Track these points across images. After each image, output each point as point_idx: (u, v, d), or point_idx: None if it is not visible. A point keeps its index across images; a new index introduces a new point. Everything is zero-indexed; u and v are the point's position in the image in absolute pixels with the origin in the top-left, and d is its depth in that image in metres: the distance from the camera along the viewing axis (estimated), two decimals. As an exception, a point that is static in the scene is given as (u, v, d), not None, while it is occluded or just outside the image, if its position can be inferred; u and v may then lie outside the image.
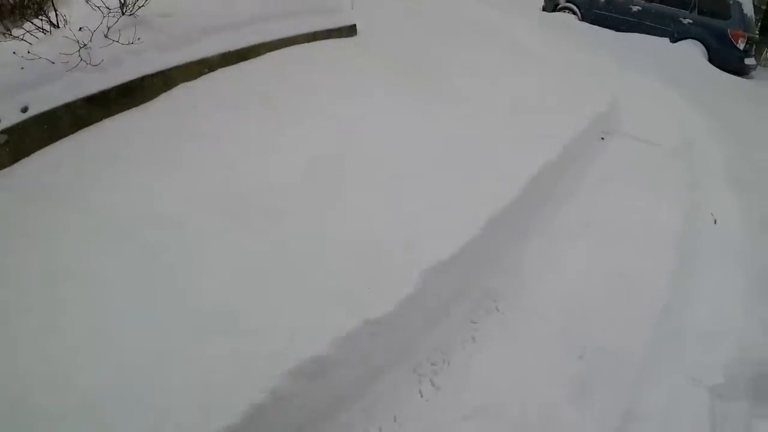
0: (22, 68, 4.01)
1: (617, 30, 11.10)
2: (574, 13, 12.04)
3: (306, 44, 5.78)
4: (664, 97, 7.22)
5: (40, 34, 4.48)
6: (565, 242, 4.23)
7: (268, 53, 5.40)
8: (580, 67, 7.43)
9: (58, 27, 4.48)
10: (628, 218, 4.66)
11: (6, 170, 3.67)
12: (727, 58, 10.33)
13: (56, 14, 4.47)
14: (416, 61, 6.22)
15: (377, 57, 6.05)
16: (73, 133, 4.08)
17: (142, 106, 4.37)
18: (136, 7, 4.51)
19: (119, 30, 4.29)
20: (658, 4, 11.08)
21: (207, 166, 3.78)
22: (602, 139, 5.50)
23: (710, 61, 10.31)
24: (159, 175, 3.63)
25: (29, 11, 4.83)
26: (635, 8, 11.23)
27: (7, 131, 3.77)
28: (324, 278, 2.95)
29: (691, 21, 10.72)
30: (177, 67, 4.57)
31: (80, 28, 4.16)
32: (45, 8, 4.76)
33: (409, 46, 6.69)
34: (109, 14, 4.33)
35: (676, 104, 7.06)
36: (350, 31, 6.57)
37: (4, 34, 4.51)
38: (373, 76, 5.52)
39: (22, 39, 4.30)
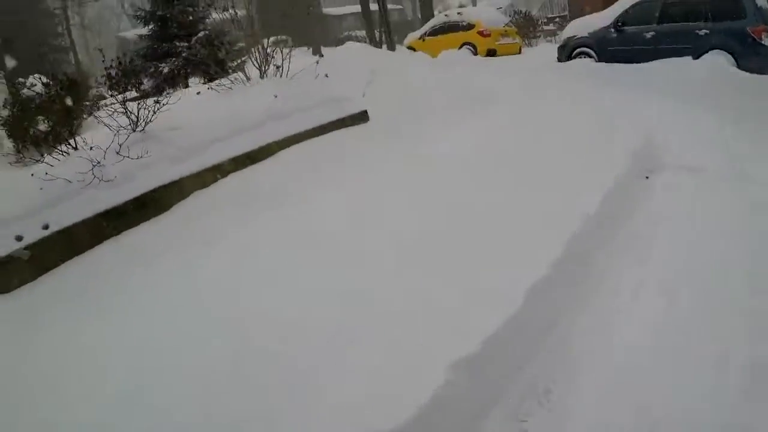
0: (41, 189, 4.26)
1: (637, 62, 10.77)
2: (590, 56, 11.92)
3: (317, 138, 5.93)
4: (698, 120, 6.71)
5: (61, 157, 4.77)
6: (620, 313, 3.27)
7: (280, 151, 5.55)
8: (605, 108, 7.18)
9: (76, 149, 4.75)
10: (691, 268, 3.58)
11: (28, 285, 3.93)
12: (755, 58, 9.87)
13: (74, 138, 4.77)
14: (425, 140, 6.23)
15: (388, 142, 6.11)
16: (91, 247, 4.28)
17: (157, 217, 4.53)
18: (143, 123, 4.74)
19: (129, 146, 4.51)
20: (669, 24, 10.79)
21: (220, 281, 3.74)
22: (647, 178, 5.11)
23: (739, 66, 9.80)
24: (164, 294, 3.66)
25: (61, 137, 5.20)
26: (648, 35, 10.98)
27: (30, 247, 4.01)
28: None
29: (707, 31, 10.34)
30: (189, 177, 4.76)
31: (91, 147, 4.39)
32: (75, 132, 5.11)
33: (419, 126, 6.75)
34: (119, 132, 4.56)
35: (711, 126, 6.55)
36: (362, 117, 6.73)
37: (37, 160, 4.85)
38: (382, 161, 5.56)
39: (42, 161, 4.58)
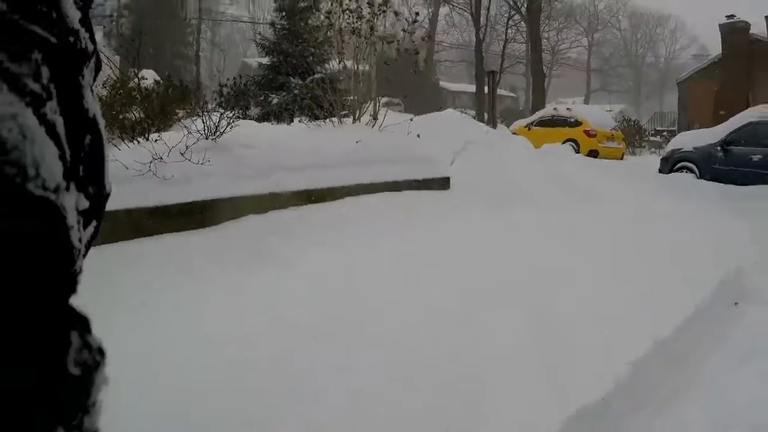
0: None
1: (741, 183, 10.06)
2: (692, 171, 11.25)
3: (389, 192, 5.63)
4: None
5: (132, 145, 4.71)
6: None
7: (346, 197, 5.29)
8: (704, 227, 6.45)
9: (148, 140, 4.68)
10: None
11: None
12: None
13: (157, 133, 4.72)
14: (506, 220, 5.79)
15: (463, 214, 5.72)
16: (131, 238, 4.08)
17: (204, 229, 4.31)
18: (218, 132, 4.61)
19: (196, 151, 4.36)
20: None
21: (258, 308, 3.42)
22: (736, 304, 4.41)
23: None
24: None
25: (144, 129, 5.21)
26: (756, 157, 10.26)
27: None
28: None
29: None
30: (247, 197, 4.53)
31: (155, 140, 4.27)
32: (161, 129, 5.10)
33: (504, 207, 6.31)
34: (190, 134, 4.44)
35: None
36: (443, 184, 6.40)
37: (111, 142, 4.83)
38: (448, 227, 5.16)
39: (113, 144, 4.52)
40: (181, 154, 4.33)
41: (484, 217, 5.80)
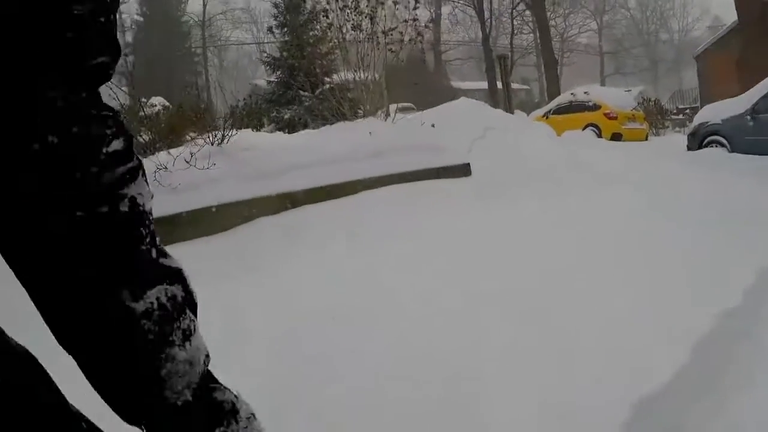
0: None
1: None
2: (723, 145, 10.56)
3: (407, 183, 5.38)
4: None
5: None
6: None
7: (363, 191, 5.06)
8: (743, 203, 5.91)
9: (154, 153, 4.54)
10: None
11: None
12: None
13: (165, 150, 4.58)
14: (530, 205, 5.48)
15: (485, 199, 5.45)
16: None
17: (215, 235, 4.13)
18: (224, 139, 4.45)
19: (200, 158, 4.20)
20: None
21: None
22: None
23: None
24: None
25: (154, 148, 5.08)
26: None
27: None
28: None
29: None
30: (256, 199, 4.35)
31: (157, 150, 4.12)
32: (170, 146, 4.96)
33: (526, 190, 6.02)
34: (194, 142, 4.29)
35: None
36: (463, 170, 6.13)
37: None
38: (471, 217, 4.89)
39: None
40: (186, 162, 4.17)
41: (508, 206, 5.49)
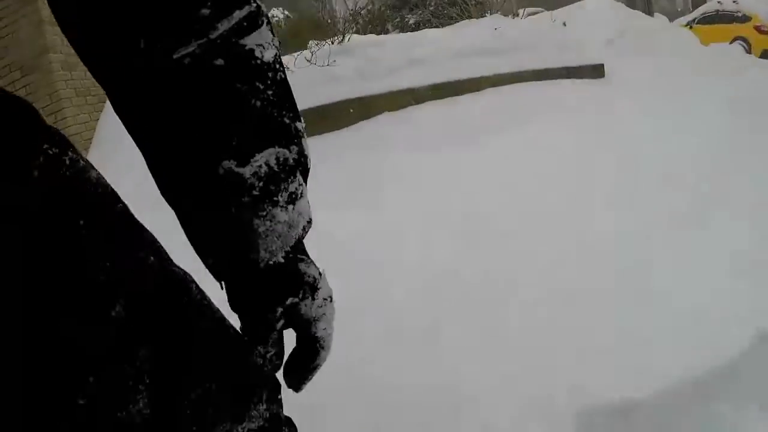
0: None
1: None
2: None
3: (534, 82, 5.04)
4: None
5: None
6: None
7: (488, 88, 4.81)
8: None
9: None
10: None
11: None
12: None
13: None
14: (673, 109, 4.94)
15: (622, 100, 4.98)
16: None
17: (339, 131, 4.14)
18: (342, 37, 4.38)
19: (323, 57, 4.16)
20: None
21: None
22: None
23: None
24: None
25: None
26: None
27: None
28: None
29: None
30: (378, 96, 4.26)
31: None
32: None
33: (668, 92, 5.42)
34: (318, 44, 4.26)
35: None
36: (597, 71, 5.65)
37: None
38: (601, 121, 4.49)
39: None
40: (307, 60, 4.16)
41: (648, 113, 4.96)
